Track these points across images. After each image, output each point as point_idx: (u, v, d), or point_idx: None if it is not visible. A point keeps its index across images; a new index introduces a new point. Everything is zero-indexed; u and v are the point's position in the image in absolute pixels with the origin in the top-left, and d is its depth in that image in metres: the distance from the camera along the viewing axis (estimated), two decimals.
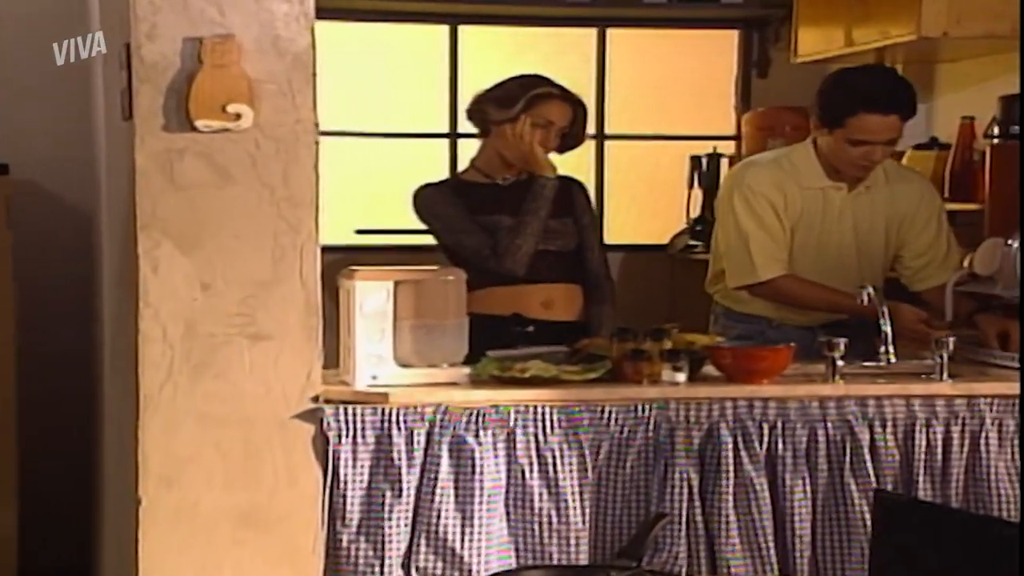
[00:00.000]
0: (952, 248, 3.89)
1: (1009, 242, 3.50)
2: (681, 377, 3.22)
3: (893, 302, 3.66)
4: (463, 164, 5.65)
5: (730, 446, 3.15)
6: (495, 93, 3.81)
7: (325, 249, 3.10)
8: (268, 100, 3.01)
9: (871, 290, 3.52)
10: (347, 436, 3.07)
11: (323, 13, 3.10)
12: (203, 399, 3.04)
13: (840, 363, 3.29)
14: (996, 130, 4.43)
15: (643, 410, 3.16)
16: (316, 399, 3.09)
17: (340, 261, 3.35)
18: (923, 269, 3.88)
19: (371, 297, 3.14)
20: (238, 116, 2.99)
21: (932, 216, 3.87)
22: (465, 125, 6.08)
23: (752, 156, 4.32)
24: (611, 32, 6.00)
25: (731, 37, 6.05)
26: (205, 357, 3.04)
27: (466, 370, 3.21)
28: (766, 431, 3.17)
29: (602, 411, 3.15)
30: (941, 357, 3.33)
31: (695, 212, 5.64)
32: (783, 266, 3.78)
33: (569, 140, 3.85)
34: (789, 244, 3.78)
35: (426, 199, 3.82)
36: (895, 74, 4.07)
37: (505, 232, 3.68)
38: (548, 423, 3.12)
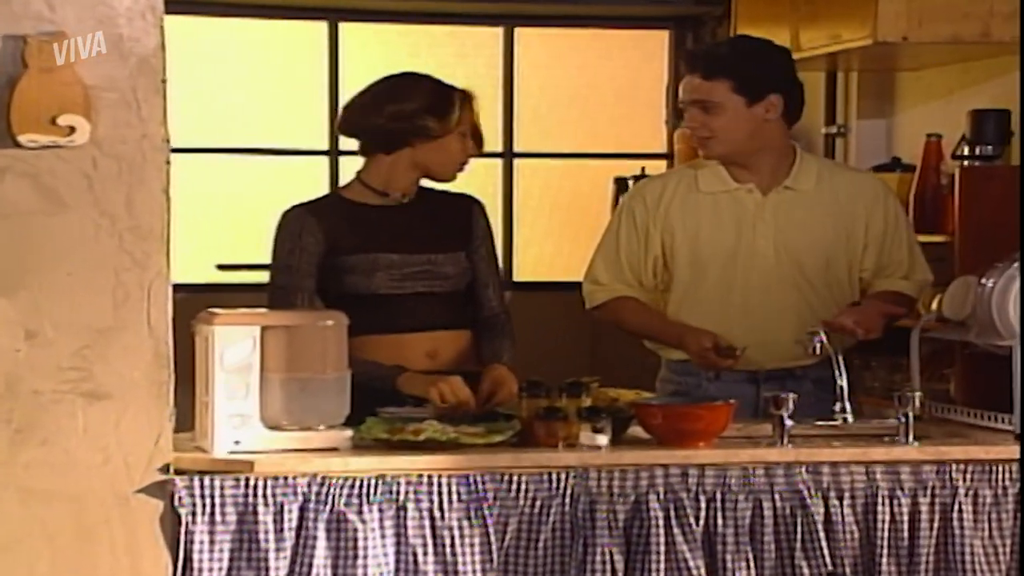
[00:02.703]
0: (917, 261, 3.91)
1: (983, 280, 3.54)
2: (603, 440, 3.22)
3: (683, 324, 3.78)
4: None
5: (661, 521, 3.15)
6: (426, 101, 3.78)
7: (178, 288, 3.08)
8: (108, 111, 2.98)
9: (823, 337, 3.55)
10: (203, 513, 3.03)
11: (174, 6, 3.07)
12: (26, 471, 2.99)
13: (789, 423, 3.31)
14: (966, 150, 4.51)
15: (558, 479, 3.14)
16: (166, 469, 3.05)
17: (196, 303, 3.32)
18: (872, 279, 3.90)
19: (234, 346, 3.11)
20: (71, 130, 2.96)
21: (882, 214, 3.88)
22: (347, 141, 6.05)
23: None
24: (520, 31, 6.03)
25: (661, 38, 6.12)
26: (30, 420, 2.99)
27: (348, 433, 3.19)
28: (703, 504, 3.18)
29: (510, 481, 3.13)
30: (906, 416, 3.36)
31: None
32: (616, 291, 3.90)
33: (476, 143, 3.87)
34: (645, 263, 3.89)
35: (282, 226, 3.78)
36: (733, 38, 4.16)
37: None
38: (445, 496, 3.10)
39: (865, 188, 3.92)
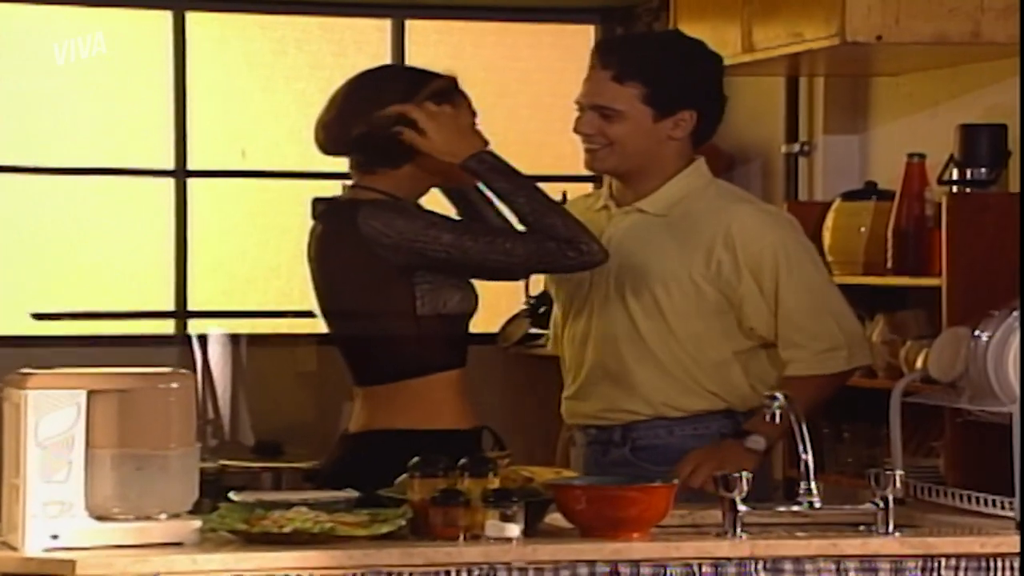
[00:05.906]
0: (841, 321, 3.83)
1: (977, 333, 3.57)
2: (514, 530, 3.21)
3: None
4: (197, 211, 5.57)
5: None
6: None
7: None
8: None
9: (782, 399, 3.54)
10: None
11: None
12: None
13: (743, 508, 3.31)
14: (955, 173, 4.55)
15: None
16: None
17: (5, 360, 3.29)
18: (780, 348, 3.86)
19: (52, 415, 3.09)
20: None
21: (772, 262, 3.80)
22: (198, 159, 5.98)
23: None
24: (412, 24, 6.03)
25: (585, 34, 6.14)
26: None
27: (196, 523, 3.17)
28: None
29: None
30: (885, 500, 3.37)
31: (537, 288, 5.67)
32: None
33: None
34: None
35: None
36: (658, 34, 4.28)
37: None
38: None
39: (736, 214, 3.84)
